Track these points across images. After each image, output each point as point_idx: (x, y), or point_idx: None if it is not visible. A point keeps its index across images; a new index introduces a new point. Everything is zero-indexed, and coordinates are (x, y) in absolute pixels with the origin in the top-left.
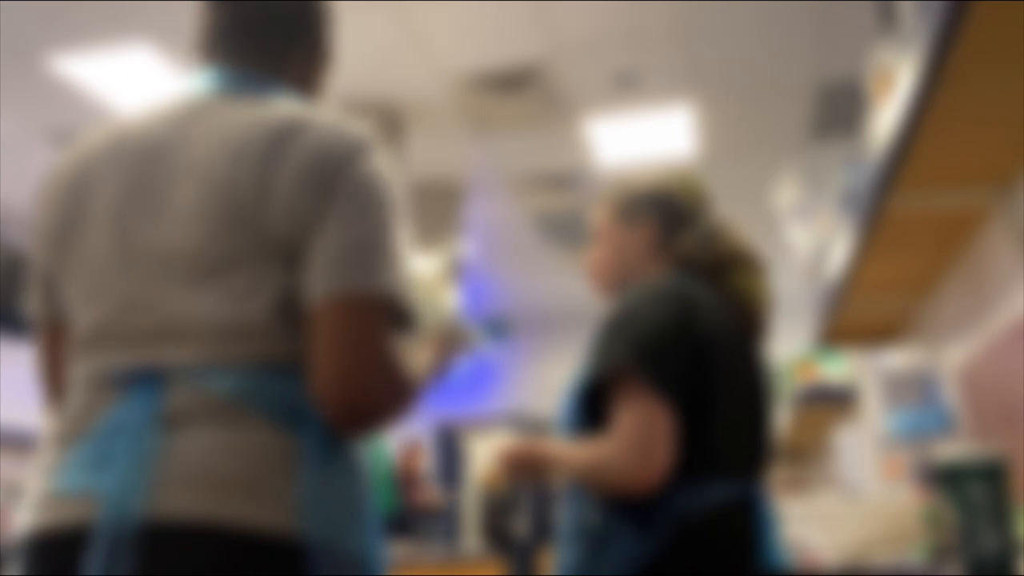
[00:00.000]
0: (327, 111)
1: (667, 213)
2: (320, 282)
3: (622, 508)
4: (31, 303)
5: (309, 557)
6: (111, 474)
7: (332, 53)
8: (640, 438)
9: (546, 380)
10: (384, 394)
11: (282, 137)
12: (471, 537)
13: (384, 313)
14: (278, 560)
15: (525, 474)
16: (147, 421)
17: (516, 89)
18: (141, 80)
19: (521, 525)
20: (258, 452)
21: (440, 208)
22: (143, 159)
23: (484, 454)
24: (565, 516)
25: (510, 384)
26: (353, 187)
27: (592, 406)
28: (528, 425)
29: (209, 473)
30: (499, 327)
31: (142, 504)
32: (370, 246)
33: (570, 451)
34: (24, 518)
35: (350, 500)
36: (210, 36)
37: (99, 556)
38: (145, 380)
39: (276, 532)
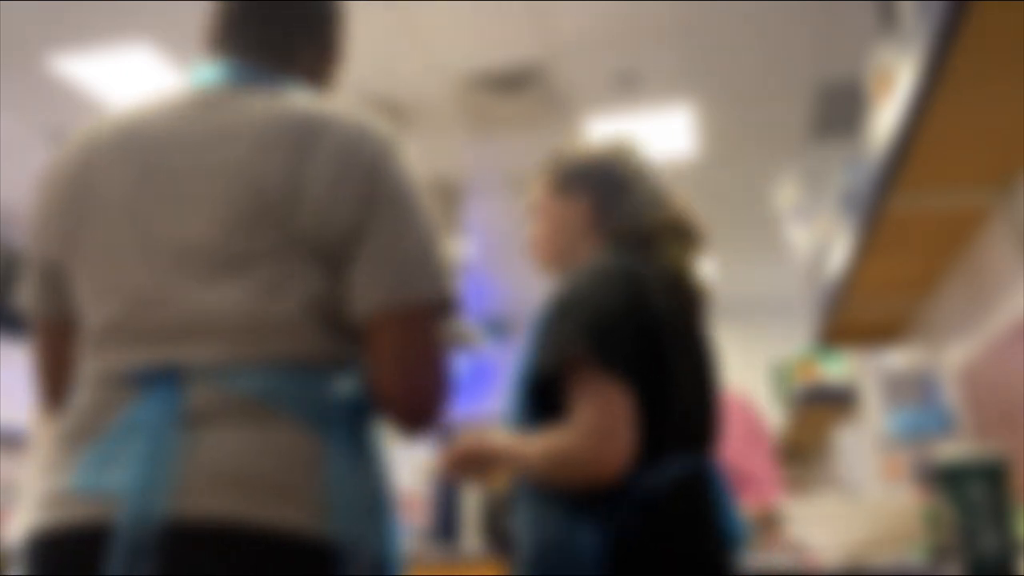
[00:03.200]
0: (345, 106)
1: (604, 184)
2: (376, 292)
3: (584, 498)
4: (28, 298)
5: (337, 558)
6: (130, 472)
7: (342, 50)
8: (602, 424)
9: None
10: (443, 392)
11: (309, 132)
12: (471, 537)
13: (438, 314)
14: (306, 561)
15: (471, 470)
16: (167, 420)
17: (516, 89)
18: (141, 80)
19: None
20: (284, 452)
21: (440, 208)
22: (156, 151)
23: None
24: (522, 520)
25: (510, 384)
26: (390, 190)
27: (541, 396)
28: None
29: (234, 472)
30: (499, 327)
31: (164, 503)
32: (419, 252)
33: (525, 445)
34: (29, 517)
35: (374, 500)
36: (219, 30)
37: (120, 556)
38: (164, 378)
39: (304, 533)
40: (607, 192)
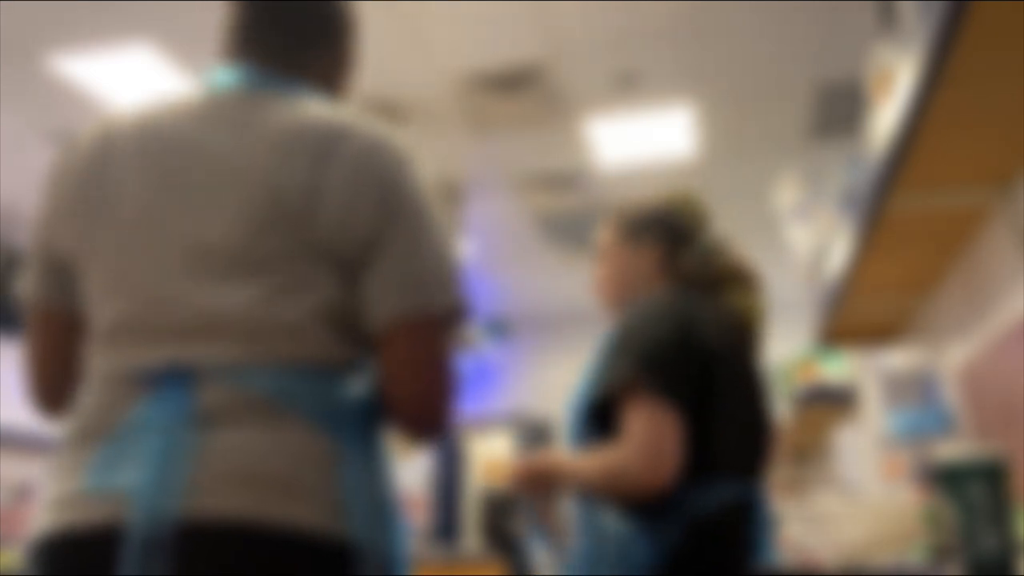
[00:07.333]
0: (361, 115)
1: (671, 233)
2: (391, 302)
3: (637, 512)
4: (27, 287)
5: (350, 557)
6: (143, 472)
7: (355, 58)
8: (650, 441)
9: (547, 380)
10: (452, 400)
11: (327, 141)
12: (471, 537)
13: (450, 324)
14: (320, 560)
15: (537, 488)
16: (180, 419)
17: (516, 89)
18: (141, 80)
19: (521, 525)
20: (296, 451)
21: (440, 208)
22: (174, 152)
23: (484, 455)
24: (580, 527)
25: (510, 384)
26: (406, 201)
27: (600, 421)
28: (529, 426)
29: (246, 472)
30: (499, 327)
31: (177, 503)
32: (433, 262)
33: (581, 461)
34: (42, 519)
35: (383, 500)
36: (234, 34)
37: (133, 556)
38: (175, 377)
39: (317, 532)
40: (675, 240)
